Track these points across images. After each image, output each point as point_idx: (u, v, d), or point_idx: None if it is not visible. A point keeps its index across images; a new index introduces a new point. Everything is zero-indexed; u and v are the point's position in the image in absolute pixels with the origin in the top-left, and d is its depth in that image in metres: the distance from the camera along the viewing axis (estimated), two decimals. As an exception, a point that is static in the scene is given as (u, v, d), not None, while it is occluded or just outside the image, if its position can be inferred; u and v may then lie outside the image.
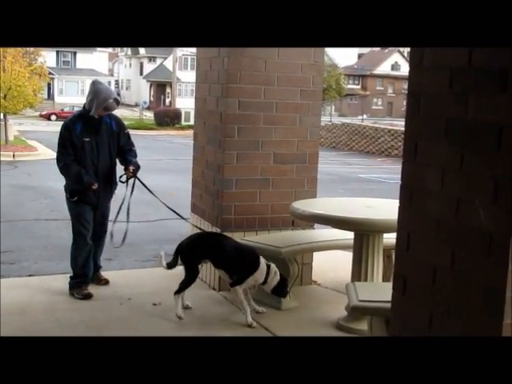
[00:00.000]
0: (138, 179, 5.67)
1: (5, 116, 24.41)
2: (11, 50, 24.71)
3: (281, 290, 5.06)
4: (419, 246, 2.55)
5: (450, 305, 2.36)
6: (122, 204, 5.65)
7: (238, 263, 5.01)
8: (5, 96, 22.90)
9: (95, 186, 5.44)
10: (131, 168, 5.58)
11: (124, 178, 5.65)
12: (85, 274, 5.60)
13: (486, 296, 2.17)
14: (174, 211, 5.73)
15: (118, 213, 5.63)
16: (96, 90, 5.43)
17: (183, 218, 5.69)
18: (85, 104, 5.52)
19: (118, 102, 5.58)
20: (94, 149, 5.46)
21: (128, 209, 5.67)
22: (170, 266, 5.08)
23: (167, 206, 5.74)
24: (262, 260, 4.99)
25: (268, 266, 4.97)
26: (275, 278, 4.99)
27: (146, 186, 5.71)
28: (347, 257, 5.92)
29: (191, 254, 5.05)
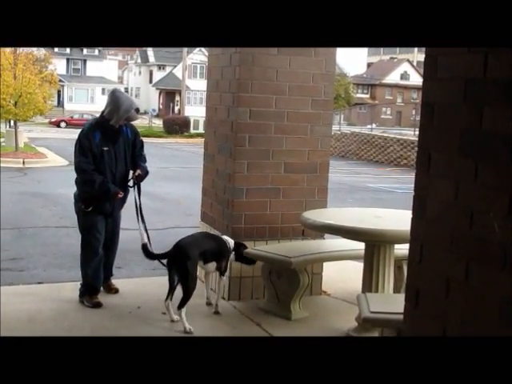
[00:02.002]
0: (139, 187, 5.58)
1: (15, 123, 24.58)
2: (22, 58, 24.92)
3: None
4: (432, 258, 2.52)
5: (463, 318, 2.33)
6: (139, 211, 5.47)
7: (222, 250, 5.34)
8: (15, 103, 23.01)
9: (121, 195, 5.46)
10: (137, 172, 5.55)
11: (131, 183, 5.65)
12: (94, 284, 5.59)
13: (501, 309, 2.15)
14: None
15: (138, 219, 5.42)
16: (117, 100, 5.37)
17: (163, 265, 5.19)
18: (103, 112, 5.45)
19: (138, 112, 5.57)
20: (112, 158, 5.44)
21: (140, 212, 5.46)
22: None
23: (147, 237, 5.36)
24: None
25: None
26: None
27: (139, 198, 5.54)
28: (358, 267, 5.90)
29: (185, 260, 4.95)
